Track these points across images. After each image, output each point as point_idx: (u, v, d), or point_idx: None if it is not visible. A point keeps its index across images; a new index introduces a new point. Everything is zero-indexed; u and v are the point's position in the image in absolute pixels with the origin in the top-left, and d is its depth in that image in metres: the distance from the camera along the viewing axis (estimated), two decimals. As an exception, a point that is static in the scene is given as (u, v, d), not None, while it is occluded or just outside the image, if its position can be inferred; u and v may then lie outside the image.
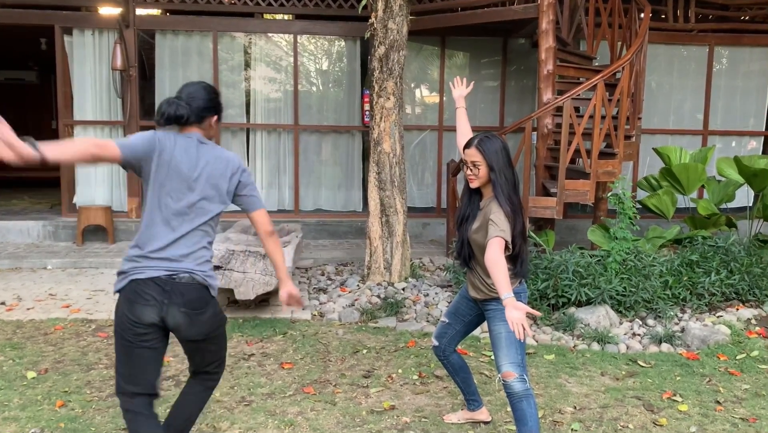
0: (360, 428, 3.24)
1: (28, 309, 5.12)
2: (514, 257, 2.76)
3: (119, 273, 2.43)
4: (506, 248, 2.63)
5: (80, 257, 6.81)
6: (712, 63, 8.48)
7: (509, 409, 3.45)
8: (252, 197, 2.56)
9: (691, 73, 8.56)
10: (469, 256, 2.92)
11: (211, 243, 2.51)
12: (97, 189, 7.95)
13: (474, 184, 2.81)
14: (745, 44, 8.50)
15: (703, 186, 6.79)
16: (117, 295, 2.43)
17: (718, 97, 8.61)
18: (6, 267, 6.52)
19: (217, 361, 2.63)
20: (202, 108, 2.47)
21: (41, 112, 11.99)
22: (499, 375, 2.84)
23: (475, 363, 4.14)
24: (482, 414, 3.32)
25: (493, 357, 2.95)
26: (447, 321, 3.15)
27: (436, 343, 3.18)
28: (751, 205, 7.31)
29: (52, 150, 2.09)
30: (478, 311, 3.04)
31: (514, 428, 3.23)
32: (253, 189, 2.57)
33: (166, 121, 2.41)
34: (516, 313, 2.39)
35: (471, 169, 2.79)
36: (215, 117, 2.53)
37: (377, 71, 5.77)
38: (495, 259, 2.54)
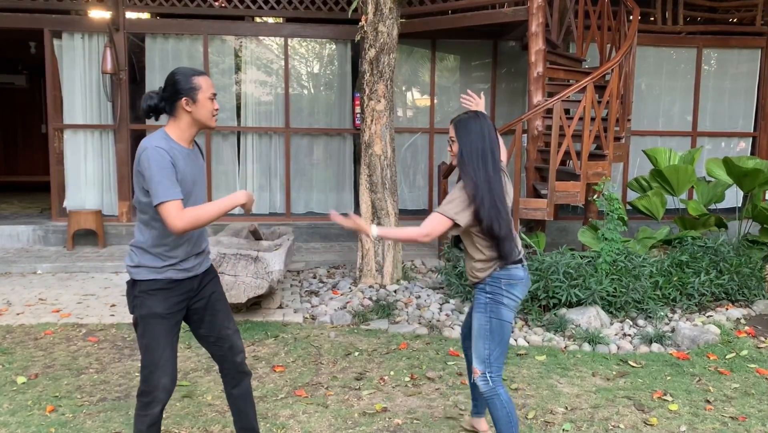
0: (352, 430, 3.25)
1: (18, 314, 5.09)
2: (494, 238, 2.67)
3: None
4: (455, 226, 2.69)
5: (71, 261, 6.78)
6: (701, 65, 8.55)
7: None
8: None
9: (680, 75, 8.62)
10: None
11: (143, 237, 2.52)
12: (87, 193, 7.92)
13: (453, 161, 2.85)
14: (733, 46, 8.57)
15: (692, 187, 6.83)
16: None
17: (706, 98, 8.67)
18: (-5, 272, 6.48)
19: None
20: (166, 94, 2.47)
21: (31, 116, 11.91)
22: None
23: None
24: (481, 424, 3.19)
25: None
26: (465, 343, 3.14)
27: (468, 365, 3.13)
28: (740, 205, 7.36)
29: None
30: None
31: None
32: (150, 182, 2.38)
33: (146, 115, 2.52)
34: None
35: (450, 145, 2.85)
36: (184, 99, 2.45)
37: (368, 74, 5.78)
38: (413, 228, 2.71)
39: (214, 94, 2.54)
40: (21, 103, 11.89)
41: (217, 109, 2.57)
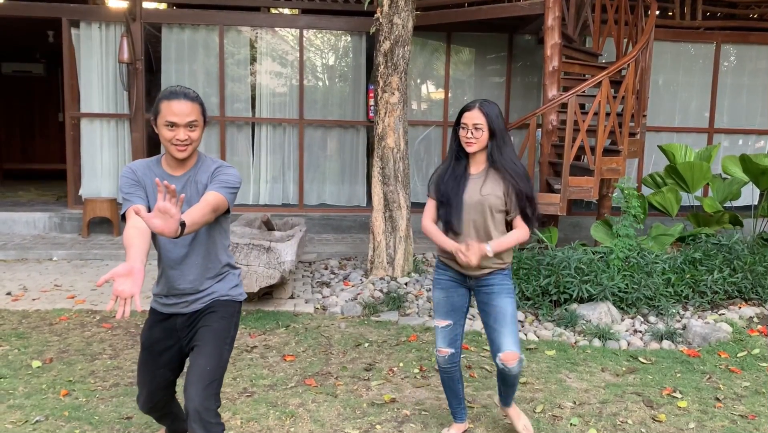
0: (360, 420, 3.27)
1: (34, 299, 5.17)
2: (528, 219, 2.84)
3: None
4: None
5: (86, 248, 6.86)
6: (719, 61, 8.45)
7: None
8: None
9: (698, 71, 8.53)
10: (460, 224, 2.80)
11: None
12: (102, 181, 8.00)
13: (472, 149, 2.75)
14: (752, 42, 8.46)
15: (708, 184, 6.78)
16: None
17: (724, 95, 8.58)
18: (12, 258, 6.57)
19: None
20: None
21: (48, 104, 12.03)
22: (499, 355, 2.77)
23: (477, 358, 4.16)
24: (465, 426, 3.16)
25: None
26: (450, 322, 2.93)
27: (451, 350, 2.94)
28: (756, 203, 7.30)
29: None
30: (468, 296, 2.97)
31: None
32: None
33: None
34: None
35: (472, 132, 2.72)
36: (152, 119, 2.38)
37: (382, 66, 5.78)
38: (519, 232, 2.81)
39: (173, 123, 2.29)
40: (38, 91, 12.00)
41: (180, 139, 2.30)
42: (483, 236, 2.79)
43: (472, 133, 2.73)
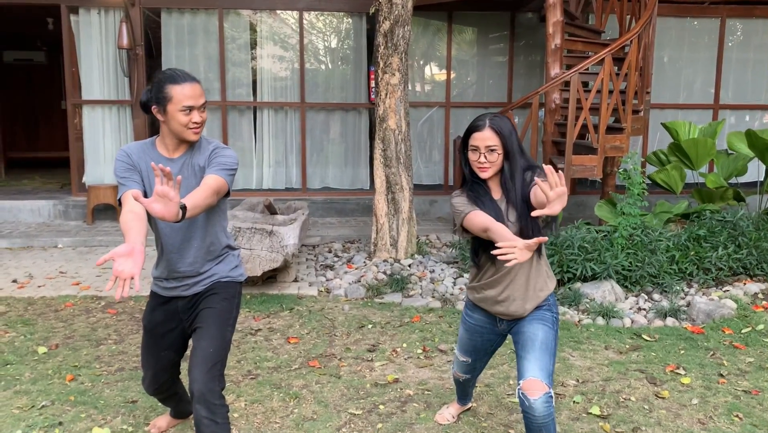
0: (364, 400, 3.29)
1: (39, 286, 5.20)
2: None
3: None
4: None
5: (90, 235, 6.88)
6: (724, 36, 8.35)
7: (512, 381, 3.49)
8: None
9: (703, 47, 8.44)
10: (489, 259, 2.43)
11: None
12: (106, 168, 8.01)
13: (487, 174, 2.36)
14: (757, 16, 8.35)
15: (712, 161, 6.73)
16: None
17: (729, 70, 8.49)
18: (18, 246, 6.61)
19: None
20: (151, 95, 2.34)
21: (51, 92, 12.02)
22: (520, 383, 2.31)
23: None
24: (465, 407, 3.14)
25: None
26: (469, 360, 2.73)
27: (468, 376, 2.84)
28: (762, 179, 7.24)
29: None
30: (497, 342, 2.66)
31: (516, 400, 3.27)
32: None
33: (142, 109, 2.41)
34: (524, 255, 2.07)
35: (485, 156, 2.33)
36: (154, 106, 2.32)
37: (382, 47, 5.73)
38: None
39: (191, 107, 2.27)
40: (40, 79, 12.00)
41: (197, 122, 2.30)
42: (527, 276, 2.47)
43: (485, 157, 2.33)
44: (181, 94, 2.26)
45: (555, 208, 2.02)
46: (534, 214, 2.09)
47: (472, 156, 2.38)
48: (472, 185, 2.44)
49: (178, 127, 2.30)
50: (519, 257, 2.04)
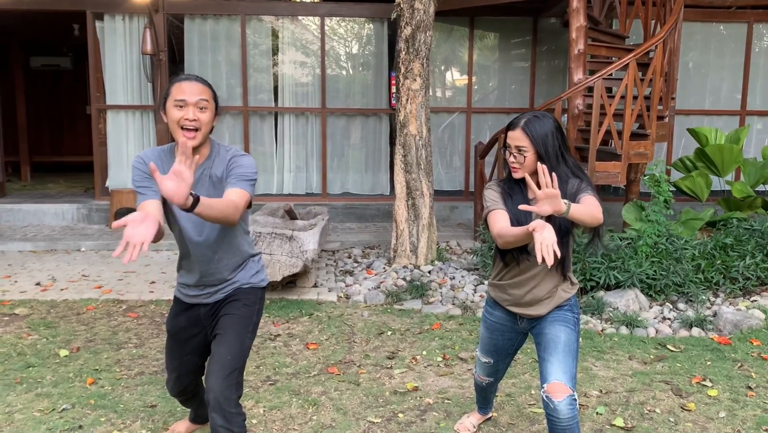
0: (383, 408, 3.25)
1: (62, 289, 5.25)
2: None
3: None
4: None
5: (113, 239, 6.95)
6: (752, 41, 8.21)
7: (534, 391, 3.44)
8: None
9: (729, 52, 8.30)
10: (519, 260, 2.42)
11: None
12: (129, 173, 8.07)
13: (518, 174, 2.33)
14: (786, 21, 8.20)
15: (739, 168, 6.60)
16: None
17: (757, 76, 8.34)
18: (42, 249, 6.69)
19: None
20: None
21: (76, 97, 12.19)
22: (544, 387, 2.30)
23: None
24: (486, 417, 3.12)
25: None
26: (491, 360, 2.70)
27: (490, 379, 2.81)
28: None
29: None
30: (518, 340, 2.66)
31: (538, 410, 3.22)
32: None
33: None
34: (550, 233, 2.01)
35: (515, 156, 2.32)
36: (161, 109, 2.32)
37: (403, 52, 5.72)
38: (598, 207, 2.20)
39: (184, 101, 2.20)
40: (66, 85, 12.17)
41: (189, 119, 2.20)
42: (552, 277, 2.45)
43: (515, 157, 2.32)
44: (177, 89, 2.24)
45: (543, 208, 2.06)
46: (521, 207, 2.14)
47: (506, 154, 2.38)
48: (509, 181, 2.43)
49: (172, 125, 2.24)
50: (547, 240, 2.00)
